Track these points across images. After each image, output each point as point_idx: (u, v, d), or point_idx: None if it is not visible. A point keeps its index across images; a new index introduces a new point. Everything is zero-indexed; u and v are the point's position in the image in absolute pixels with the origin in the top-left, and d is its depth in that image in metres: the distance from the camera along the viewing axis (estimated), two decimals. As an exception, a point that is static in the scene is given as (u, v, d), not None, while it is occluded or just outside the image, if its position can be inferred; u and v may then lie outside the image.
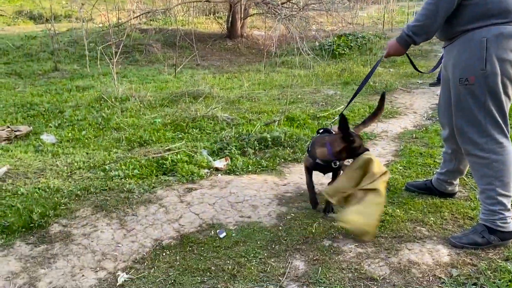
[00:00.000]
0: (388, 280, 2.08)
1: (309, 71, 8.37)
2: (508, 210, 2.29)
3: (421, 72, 2.89)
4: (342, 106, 5.49)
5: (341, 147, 2.52)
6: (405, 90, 6.70)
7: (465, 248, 2.30)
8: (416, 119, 5.09)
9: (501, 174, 2.26)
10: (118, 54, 8.47)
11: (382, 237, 2.46)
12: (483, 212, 2.35)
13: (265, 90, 6.81)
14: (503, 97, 2.21)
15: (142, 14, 11.54)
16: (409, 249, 2.32)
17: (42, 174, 3.54)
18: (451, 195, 2.94)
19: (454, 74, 2.31)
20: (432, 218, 2.64)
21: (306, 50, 8.71)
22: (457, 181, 2.92)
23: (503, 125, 2.25)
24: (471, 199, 2.90)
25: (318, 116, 5.07)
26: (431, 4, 2.21)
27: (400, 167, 3.56)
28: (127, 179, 3.38)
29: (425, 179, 3.11)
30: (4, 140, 4.57)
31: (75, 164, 3.74)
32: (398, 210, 2.74)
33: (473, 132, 2.29)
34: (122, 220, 2.76)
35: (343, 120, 2.46)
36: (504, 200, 2.28)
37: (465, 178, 3.21)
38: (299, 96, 6.17)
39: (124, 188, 3.18)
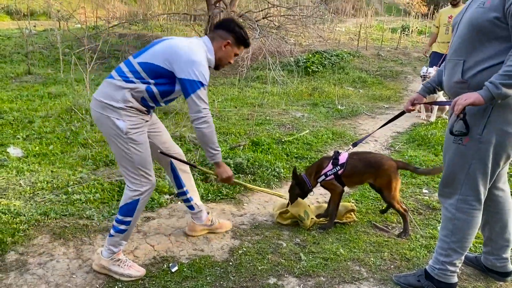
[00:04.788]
0: (321, 323, 2.25)
1: (281, 88, 8.57)
2: (453, 265, 2.40)
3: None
4: (307, 131, 5.69)
5: None
6: (369, 115, 6.96)
7: (399, 286, 2.52)
8: (376, 147, 5.32)
9: (459, 232, 2.34)
10: (93, 60, 8.47)
11: (324, 276, 2.63)
12: (433, 257, 2.50)
13: (236, 107, 6.96)
14: (491, 166, 2.23)
15: (122, 23, 11.53)
16: (346, 291, 2.50)
17: (4, 194, 3.59)
18: (503, 274, 2.63)
19: (451, 127, 2.28)
20: (372, 259, 2.83)
21: (278, 68, 8.89)
22: (506, 255, 2.59)
23: (481, 191, 2.29)
24: (411, 239, 3.11)
25: (283, 140, 5.24)
26: None
27: (353, 201, 3.75)
28: (88, 204, 3.47)
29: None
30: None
31: (39, 184, 3.80)
32: (342, 250, 2.92)
33: (451, 186, 2.34)
34: (79, 249, 2.86)
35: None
36: (453, 255, 2.38)
37: (411, 215, 3.43)
38: (267, 117, 6.34)
39: (84, 215, 3.27)
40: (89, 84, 7.17)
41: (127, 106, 2.41)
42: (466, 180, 2.28)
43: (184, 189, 2.97)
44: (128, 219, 2.55)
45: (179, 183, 2.96)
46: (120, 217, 2.55)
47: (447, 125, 2.42)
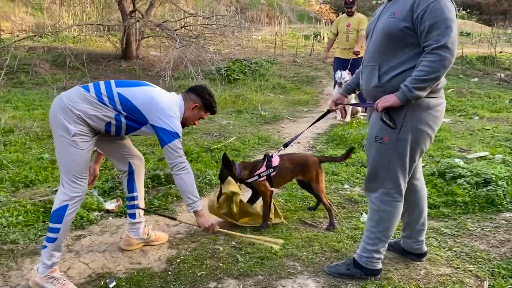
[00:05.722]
0: (263, 318, 2.36)
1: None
2: (378, 252, 2.63)
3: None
4: (234, 137, 5.83)
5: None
6: (291, 119, 7.29)
7: (331, 276, 2.70)
8: (299, 149, 5.60)
9: (384, 222, 2.57)
10: (0, 76, 7.95)
11: (261, 275, 2.75)
12: (360, 247, 2.72)
13: (160, 119, 6.90)
14: (409, 161, 2.45)
15: (30, 36, 10.87)
16: (283, 286, 2.64)
17: None
18: (420, 255, 2.89)
19: (372, 128, 2.53)
20: (304, 253, 3.01)
21: (200, 77, 8.97)
22: (422, 237, 2.86)
23: (401, 184, 2.50)
24: (338, 231, 3.35)
25: (211, 148, 5.32)
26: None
27: (282, 200, 3.94)
28: (11, 228, 3.28)
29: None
30: None
31: (-50, 212, 3.51)
32: (276, 247, 3.06)
33: (375, 181, 2.55)
34: (6, 275, 2.70)
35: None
36: (379, 243, 2.58)
37: (336, 210, 3.68)
38: (194, 126, 6.36)
39: (8, 239, 3.09)
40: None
41: (83, 117, 2.48)
42: (388, 175, 2.51)
43: (135, 194, 2.99)
44: (57, 226, 2.52)
45: (131, 187, 2.97)
46: (50, 225, 2.54)
47: (368, 126, 2.65)
